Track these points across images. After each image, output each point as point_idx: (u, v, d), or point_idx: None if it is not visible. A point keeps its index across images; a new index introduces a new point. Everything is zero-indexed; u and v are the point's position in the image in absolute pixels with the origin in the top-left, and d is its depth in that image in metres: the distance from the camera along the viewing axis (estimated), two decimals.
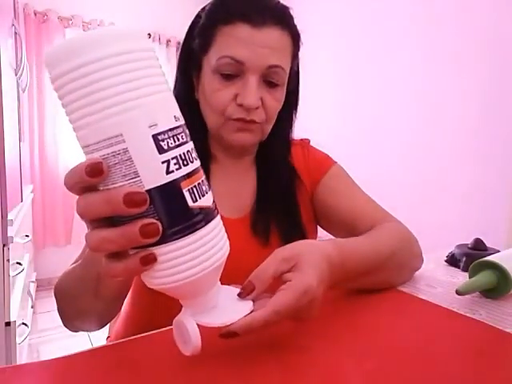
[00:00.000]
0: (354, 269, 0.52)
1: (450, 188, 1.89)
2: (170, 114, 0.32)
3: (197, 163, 0.34)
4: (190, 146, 0.33)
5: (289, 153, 0.75)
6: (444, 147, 1.92)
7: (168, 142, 0.31)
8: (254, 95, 0.60)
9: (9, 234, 1.12)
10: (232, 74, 0.61)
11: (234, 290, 0.42)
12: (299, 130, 0.77)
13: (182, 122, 0.33)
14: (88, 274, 0.47)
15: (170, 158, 0.31)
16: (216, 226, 0.35)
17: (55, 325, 2.34)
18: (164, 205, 0.31)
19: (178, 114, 0.33)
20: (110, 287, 0.47)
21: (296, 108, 0.75)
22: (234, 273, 0.42)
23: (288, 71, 0.65)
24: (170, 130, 0.31)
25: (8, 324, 1.10)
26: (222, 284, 0.40)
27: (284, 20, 0.62)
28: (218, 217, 0.36)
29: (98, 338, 2.19)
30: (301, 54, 0.68)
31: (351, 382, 0.38)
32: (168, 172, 0.31)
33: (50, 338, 2.20)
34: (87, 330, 0.59)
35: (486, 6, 1.72)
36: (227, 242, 0.38)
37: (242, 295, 0.41)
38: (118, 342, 0.46)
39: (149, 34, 3.17)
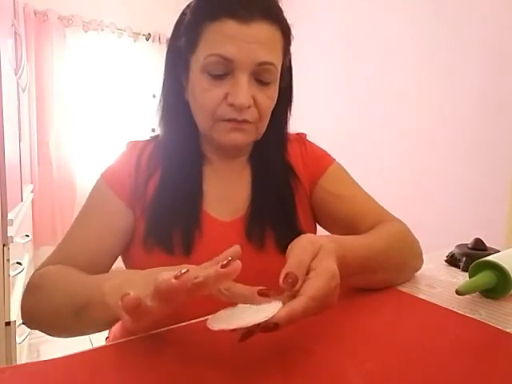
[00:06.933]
0: (351, 264, 0.51)
1: (450, 188, 1.89)
2: None
3: None
4: None
5: (285, 151, 0.73)
6: (444, 146, 1.92)
7: None
8: (246, 94, 0.58)
9: (9, 234, 1.12)
10: (221, 73, 0.58)
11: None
12: (297, 127, 0.76)
13: None
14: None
15: None
16: None
17: None
18: None
19: None
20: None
21: (290, 105, 0.72)
22: None
23: (279, 68, 0.62)
24: None
25: (8, 324, 1.10)
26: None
27: (273, 14, 0.59)
28: None
29: (98, 338, 2.18)
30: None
31: (352, 382, 0.38)
32: None
33: (50, 338, 2.18)
34: (47, 333, 0.59)
35: (485, 7, 1.71)
36: None
37: (287, 286, 0.40)
38: (118, 342, 0.46)
39: (149, 34, 3.17)
